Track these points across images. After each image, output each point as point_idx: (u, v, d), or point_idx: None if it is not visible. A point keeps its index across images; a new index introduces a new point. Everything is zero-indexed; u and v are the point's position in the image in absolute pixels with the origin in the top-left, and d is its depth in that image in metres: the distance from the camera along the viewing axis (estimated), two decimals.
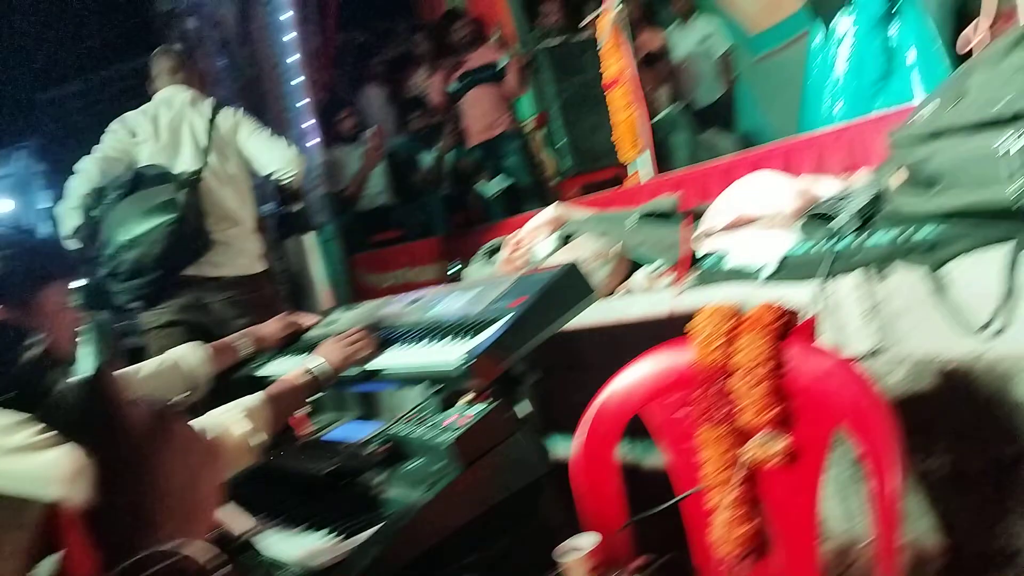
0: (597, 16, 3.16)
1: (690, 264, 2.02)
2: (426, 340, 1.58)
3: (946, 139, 1.46)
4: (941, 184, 1.48)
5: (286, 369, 1.71)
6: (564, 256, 2.31)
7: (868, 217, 1.64)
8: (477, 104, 4.65)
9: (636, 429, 1.43)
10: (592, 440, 1.43)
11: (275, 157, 2.83)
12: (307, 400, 1.59)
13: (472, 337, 1.46)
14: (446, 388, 1.49)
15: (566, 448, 1.48)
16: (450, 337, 1.52)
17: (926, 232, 1.47)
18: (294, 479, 1.62)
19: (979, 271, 1.39)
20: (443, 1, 5.29)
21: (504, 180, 4.64)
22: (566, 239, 2.37)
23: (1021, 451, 1.40)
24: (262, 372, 1.97)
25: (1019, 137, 1.34)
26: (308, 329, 2.08)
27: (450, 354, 1.42)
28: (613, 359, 1.51)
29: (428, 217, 4.72)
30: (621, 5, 3.04)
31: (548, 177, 4.73)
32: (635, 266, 2.27)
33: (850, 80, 2.73)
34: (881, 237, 1.56)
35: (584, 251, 2.26)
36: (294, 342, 2.06)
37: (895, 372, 1.55)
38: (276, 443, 1.55)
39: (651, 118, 4.51)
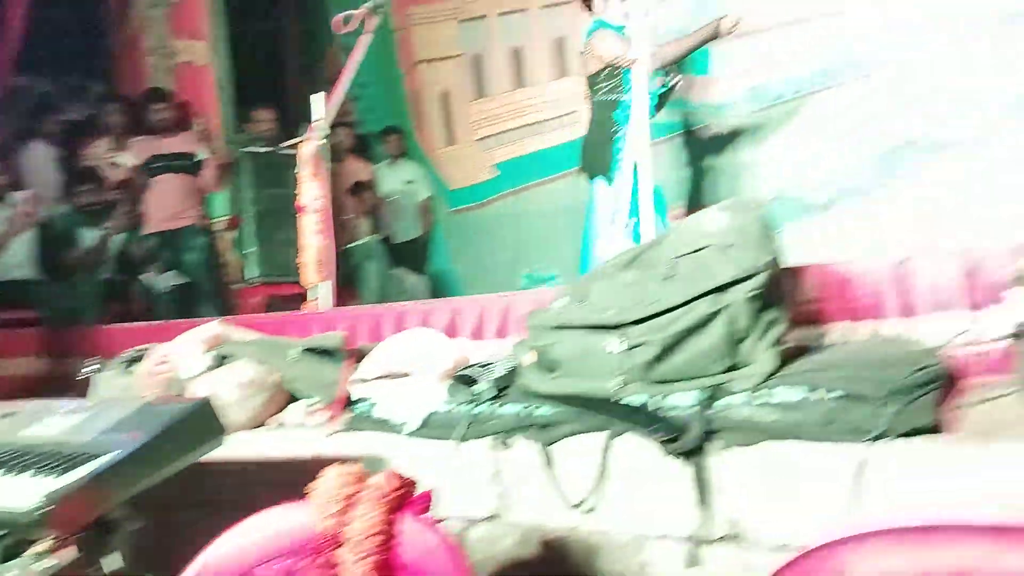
0: (301, 141, 3.18)
1: (344, 406, 2.01)
2: (2, 470, 1.32)
3: (568, 332, 1.68)
4: (560, 370, 1.68)
5: None
6: (215, 378, 2.16)
7: (504, 387, 1.80)
8: (164, 191, 4.35)
9: None
10: None
11: None
12: None
13: (63, 473, 1.25)
14: (12, 534, 1.24)
15: None
16: (34, 469, 1.29)
17: (544, 411, 1.64)
18: None
19: (581, 453, 1.58)
20: (147, 76, 4.96)
21: (179, 276, 4.30)
22: (221, 360, 2.23)
23: None
24: None
25: (621, 342, 1.59)
26: None
27: (25, 493, 1.19)
28: (248, 499, 1.41)
29: (78, 302, 4.14)
30: (325, 139, 3.10)
31: (229, 282, 4.49)
32: (292, 399, 2.21)
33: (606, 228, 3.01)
34: (510, 408, 1.71)
35: (238, 376, 2.14)
36: None
37: (506, 538, 1.66)
38: None
39: (349, 244, 4.61)
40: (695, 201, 3.67)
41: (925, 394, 1.37)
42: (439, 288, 5.05)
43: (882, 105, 3.42)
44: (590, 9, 3.02)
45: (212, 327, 2.28)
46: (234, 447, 1.95)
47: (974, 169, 3.14)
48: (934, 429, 1.33)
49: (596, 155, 2.97)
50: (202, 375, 2.17)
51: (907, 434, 1.31)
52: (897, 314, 1.76)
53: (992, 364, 1.61)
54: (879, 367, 1.43)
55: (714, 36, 2.87)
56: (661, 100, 3.12)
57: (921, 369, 1.41)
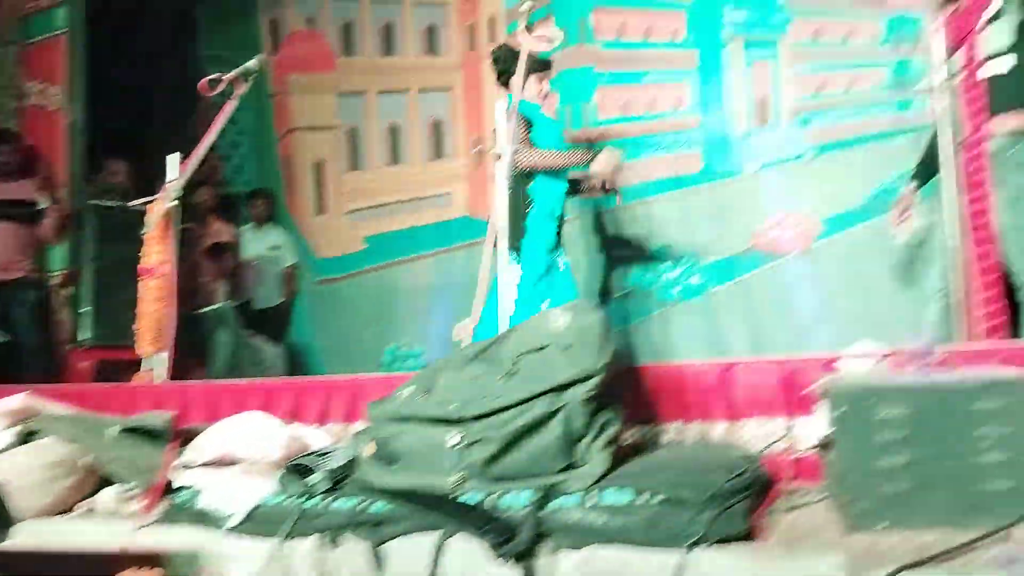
0: (153, 200, 3.02)
1: (163, 494, 1.85)
2: None
3: (411, 424, 1.65)
4: (400, 463, 1.64)
5: None
6: (17, 457, 1.94)
7: (340, 480, 1.72)
8: None
9: None
10: None
11: None
12: None
13: None
14: None
15: None
16: None
17: (378, 507, 1.58)
18: None
19: (413, 554, 1.52)
20: None
21: (1, 334, 3.89)
22: (27, 436, 2.01)
23: None
24: None
25: (461, 438, 1.58)
26: None
27: None
28: None
29: None
30: (176, 202, 2.97)
31: (60, 342, 4.11)
32: (106, 483, 2.01)
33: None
34: (344, 503, 1.63)
35: (44, 455, 1.94)
36: None
37: None
38: None
39: (201, 308, 4.36)
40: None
41: (741, 500, 1.43)
42: (298, 359, 4.85)
43: (732, 211, 3.75)
44: (506, 87, 3.10)
45: (18, 399, 2.06)
46: (32, 535, 1.76)
47: (797, 282, 3.49)
48: (748, 535, 1.39)
49: (510, 228, 3.00)
50: (3, 452, 1.94)
51: (723, 539, 1.36)
52: (724, 416, 1.86)
53: (805, 471, 1.72)
54: (701, 472, 1.49)
55: (582, 166, 3.09)
56: (573, 188, 3.22)
57: (739, 475, 1.48)
